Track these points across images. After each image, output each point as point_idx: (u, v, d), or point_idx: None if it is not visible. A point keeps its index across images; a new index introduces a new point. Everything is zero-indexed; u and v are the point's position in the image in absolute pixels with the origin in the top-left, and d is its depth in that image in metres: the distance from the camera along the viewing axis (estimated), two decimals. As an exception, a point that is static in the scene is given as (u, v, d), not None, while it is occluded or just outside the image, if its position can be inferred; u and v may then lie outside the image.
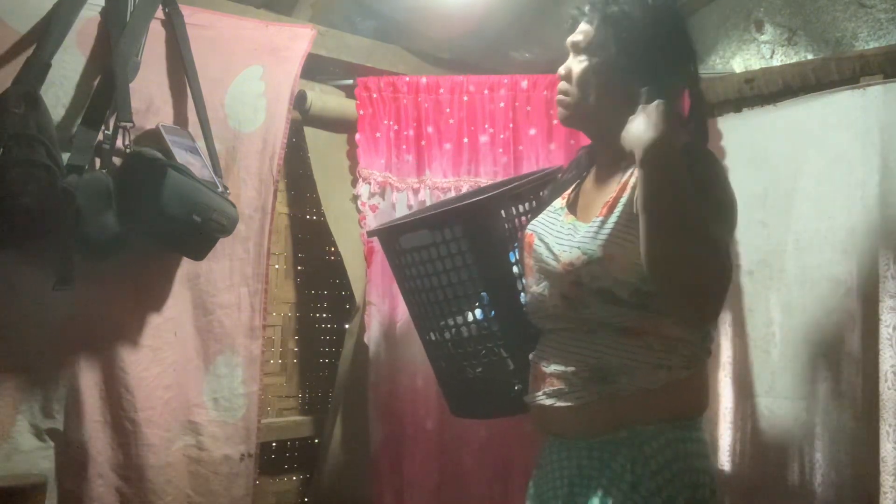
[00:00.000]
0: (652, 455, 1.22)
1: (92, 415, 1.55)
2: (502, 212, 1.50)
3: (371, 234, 1.75)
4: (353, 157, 2.08)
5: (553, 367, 1.30)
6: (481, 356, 1.50)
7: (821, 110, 1.81)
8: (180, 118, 1.68)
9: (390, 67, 2.17)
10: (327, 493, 2.00)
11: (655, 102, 1.20)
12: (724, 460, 1.90)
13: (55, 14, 1.49)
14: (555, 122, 2.12)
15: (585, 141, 1.55)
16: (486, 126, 2.13)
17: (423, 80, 2.12)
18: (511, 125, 2.13)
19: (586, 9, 1.36)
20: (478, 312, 1.51)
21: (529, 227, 1.44)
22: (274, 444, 2.02)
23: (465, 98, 2.13)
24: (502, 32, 2.28)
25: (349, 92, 2.11)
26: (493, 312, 1.48)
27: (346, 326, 2.10)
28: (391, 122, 2.09)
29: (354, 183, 2.07)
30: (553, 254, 1.32)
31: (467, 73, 2.18)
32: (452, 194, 2.11)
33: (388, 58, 2.17)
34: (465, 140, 2.12)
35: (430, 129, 2.11)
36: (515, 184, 1.56)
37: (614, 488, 1.22)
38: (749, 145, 1.92)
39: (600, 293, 1.25)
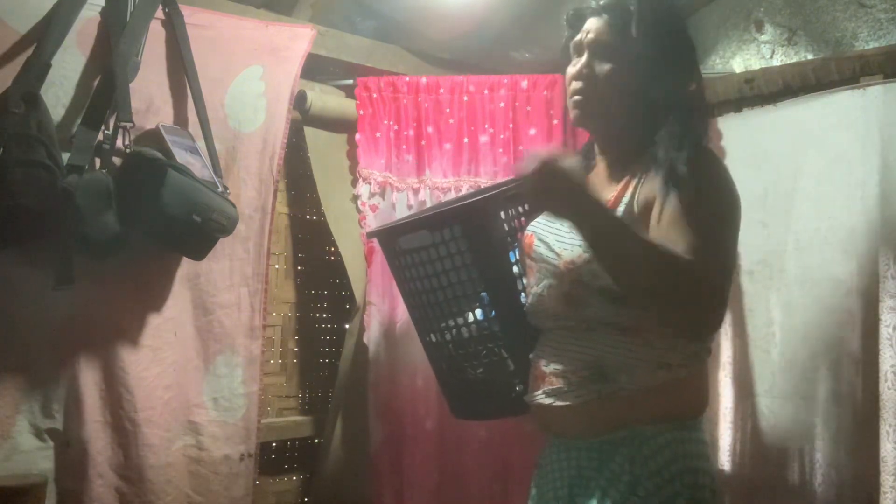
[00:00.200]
0: (651, 455, 1.22)
1: (92, 415, 1.55)
2: (501, 212, 1.50)
3: (370, 235, 1.73)
4: (353, 157, 2.08)
5: (553, 366, 1.30)
6: (482, 357, 1.49)
7: (821, 110, 1.81)
8: (180, 118, 1.68)
9: (390, 67, 2.17)
10: (328, 493, 2.00)
11: (540, 165, 1.16)
12: (724, 460, 1.90)
13: (55, 14, 1.49)
14: (555, 121, 2.12)
15: (584, 140, 1.55)
16: (486, 126, 2.13)
17: (423, 80, 2.12)
18: (511, 125, 2.14)
19: (594, 6, 1.34)
20: (478, 313, 1.50)
21: (529, 227, 1.44)
22: (274, 444, 2.02)
23: (465, 98, 2.13)
24: (502, 32, 2.28)
25: (349, 92, 2.11)
26: (493, 313, 1.47)
27: (346, 326, 2.10)
28: (391, 122, 2.09)
29: (354, 183, 2.07)
30: (554, 252, 1.32)
31: (467, 73, 2.18)
32: (452, 194, 2.11)
33: (388, 58, 2.17)
34: (465, 140, 2.13)
35: (430, 129, 2.11)
36: (518, 184, 1.55)
37: (613, 489, 1.22)
38: (749, 145, 1.92)
39: (601, 292, 1.25)
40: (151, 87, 1.63)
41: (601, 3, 1.33)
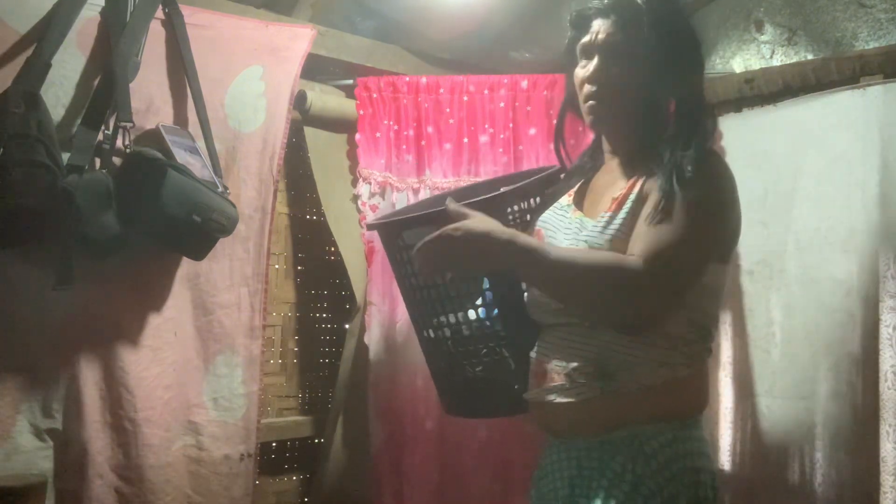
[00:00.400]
0: (653, 454, 1.22)
1: (92, 415, 1.55)
2: (508, 209, 1.49)
3: (371, 227, 1.67)
4: (353, 157, 2.08)
5: (554, 364, 1.30)
6: (482, 355, 1.48)
7: (821, 110, 1.81)
8: (180, 118, 1.68)
9: (390, 67, 2.17)
10: (328, 493, 2.00)
11: (458, 226, 1.21)
12: (724, 460, 1.90)
13: (55, 14, 1.49)
14: (555, 121, 2.11)
15: (584, 140, 1.55)
16: (486, 126, 2.13)
17: (423, 80, 2.12)
18: (511, 125, 2.13)
19: (600, 6, 1.33)
20: (480, 311, 1.49)
21: (539, 222, 1.44)
22: (274, 444, 2.02)
23: (465, 98, 2.13)
24: (502, 32, 2.28)
25: (349, 92, 2.11)
26: (496, 311, 1.46)
27: (347, 326, 2.10)
28: (391, 122, 2.09)
29: (354, 183, 2.07)
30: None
31: (467, 73, 2.18)
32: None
33: (388, 58, 2.17)
34: (465, 140, 2.12)
35: (430, 129, 2.11)
36: (524, 182, 1.54)
37: (615, 488, 1.22)
38: (749, 145, 1.92)
39: None
40: (151, 87, 1.63)
41: (606, 2, 1.33)
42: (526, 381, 1.39)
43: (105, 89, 1.52)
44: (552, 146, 2.09)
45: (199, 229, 1.53)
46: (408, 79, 2.12)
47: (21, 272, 1.48)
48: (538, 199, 1.55)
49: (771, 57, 2.15)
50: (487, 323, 1.47)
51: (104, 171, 1.50)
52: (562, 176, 1.56)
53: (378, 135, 2.07)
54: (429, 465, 2.02)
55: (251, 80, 1.81)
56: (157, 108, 1.64)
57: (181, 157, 1.57)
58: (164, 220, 1.48)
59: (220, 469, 1.73)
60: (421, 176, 2.11)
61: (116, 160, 1.53)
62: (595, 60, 1.32)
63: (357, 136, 2.06)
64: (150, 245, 1.57)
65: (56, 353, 1.53)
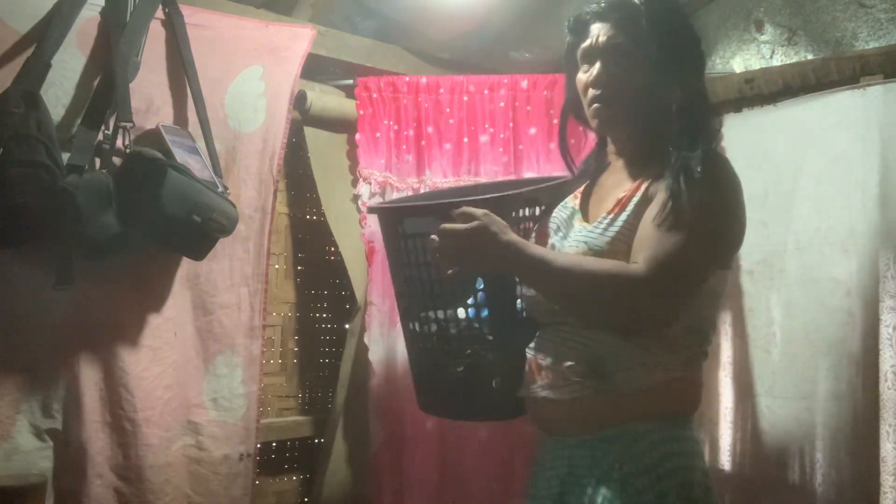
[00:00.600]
0: (642, 452, 1.22)
1: (91, 415, 1.55)
2: (513, 213, 1.45)
3: (372, 210, 1.61)
4: (353, 157, 2.08)
5: (549, 361, 1.30)
6: (466, 356, 1.43)
7: (821, 110, 1.81)
8: (180, 118, 1.68)
9: (390, 67, 2.17)
10: (328, 493, 2.00)
11: (470, 226, 1.22)
12: (724, 460, 1.90)
13: (55, 14, 1.49)
14: (555, 121, 2.12)
15: (584, 142, 1.55)
16: (487, 126, 2.13)
17: (423, 80, 2.12)
18: (511, 125, 2.14)
19: (598, 10, 1.33)
20: (470, 311, 1.47)
21: (550, 223, 1.44)
22: (274, 444, 2.02)
23: (465, 98, 2.13)
24: (502, 32, 2.28)
25: (349, 92, 2.11)
26: (485, 313, 1.44)
27: (347, 326, 2.11)
28: (391, 122, 2.09)
29: (354, 183, 2.07)
30: (560, 248, 1.32)
31: (467, 73, 2.18)
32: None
33: (388, 58, 2.17)
34: (465, 140, 2.13)
35: (430, 129, 2.11)
36: (533, 187, 1.51)
37: (604, 486, 1.22)
38: (749, 145, 1.92)
39: None
40: (151, 87, 1.63)
41: (603, 6, 1.33)
42: (510, 386, 1.37)
43: (105, 89, 1.52)
44: (552, 146, 2.10)
45: (199, 229, 1.53)
46: (408, 79, 2.12)
47: (21, 272, 1.48)
48: (542, 208, 1.52)
49: (771, 57, 2.15)
50: (476, 325, 1.45)
51: (104, 171, 1.50)
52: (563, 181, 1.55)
53: (378, 135, 2.07)
54: (429, 465, 2.02)
55: (251, 80, 1.81)
56: (157, 108, 1.64)
57: (181, 157, 1.57)
58: (164, 220, 1.48)
59: (220, 469, 1.73)
60: (421, 176, 2.11)
61: (116, 160, 1.53)
62: (597, 64, 1.32)
63: (357, 136, 2.06)
64: (150, 245, 1.57)
65: (56, 353, 1.53)
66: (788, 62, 2.06)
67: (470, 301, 1.44)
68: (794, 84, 1.93)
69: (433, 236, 1.25)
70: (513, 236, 1.23)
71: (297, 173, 2.09)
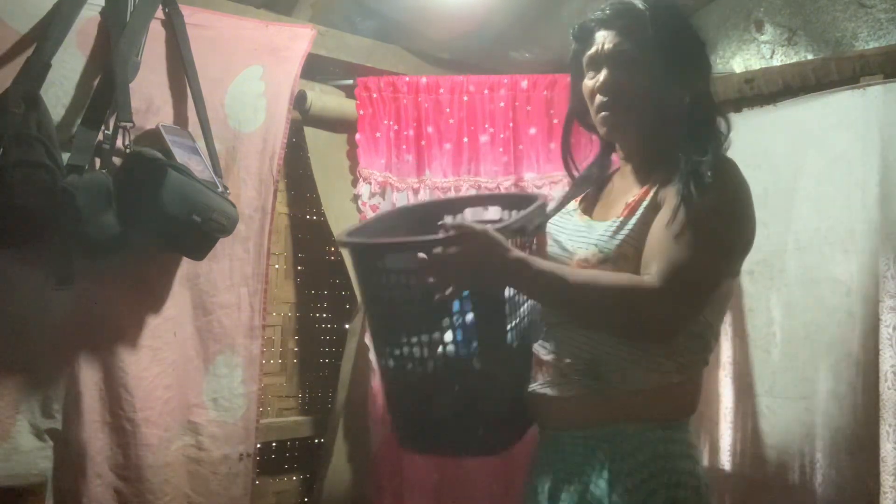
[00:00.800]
0: (632, 452, 1.22)
1: (91, 415, 1.55)
2: (510, 241, 1.29)
3: (349, 245, 1.41)
4: (353, 157, 2.08)
5: (551, 358, 1.31)
6: (454, 392, 1.30)
7: (821, 110, 1.81)
8: (180, 118, 1.68)
9: (390, 67, 2.17)
10: (328, 493, 2.00)
11: (472, 240, 1.17)
12: (724, 460, 1.90)
13: (55, 14, 1.49)
14: (555, 121, 2.12)
15: (583, 139, 1.54)
16: (487, 126, 2.13)
17: (423, 80, 2.12)
18: (511, 125, 2.14)
19: (603, 17, 1.33)
20: (457, 339, 1.31)
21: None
22: (274, 444, 2.02)
23: (465, 98, 2.13)
24: (502, 32, 2.28)
25: (349, 92, 2.11)
26: (474, 345, 1.29)
27: (347, 326, 2.11)
28: (391, 122, 2.09)
29: (355, 183, 2.07)
30: (567, 250, 1.32)
31: (467, 73, 2.18)
32: (452, 194, 2.11)
33: (388, 58, 2.17)
34: (465, 140, 2.13)
35: (430, 129, 2.12)
36: (521, 216, 1.34)
37: (593, 484, 1.23)
38: (749, 145, 1.92)
39: None
40: (151, 87, 1.63)
41: (609, 13, 1.32)
42: (502, 418, 1.32)
43: (105, 89, 1.52)
44: (552, 145, 2.10)
45: (199, 229, 1.53)
46: (408, 79, 2.12)
47: (21, 272, 1.48)
48: (528, 231, 1.40)
49: (771, 57, 2.15)
50: (462, 354, 1.30)
51: (104, 171, 1.50)
52: (547, 210, 1.48)
53: (378, 135, 2.07)
54: (428, 465, 2.01)
55: (251, 80, 1.81)
56: (157, 108, 1.64)
57: (181, 157, 1.57)
58: (164, 220, 1.48)
59: (219, 469, 1.73)
60: (421, 176, 2.11)
61: (116, 160, 1.53)
62: (604, 71, 1.32)
63: (357, 136, 2.06)
64: (150, 245, 1.57)
65: (56, 353, 1.53)
66: (788, 62, 2.06)
67: (458, 330, 1.30)
68: (794, 84, 1.93)
69: (424, 255, 1.19)
70: (519, 252, 1.21)
71: (297, 173, 2.09)
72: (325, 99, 2.04)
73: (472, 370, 1.30)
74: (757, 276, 1.89)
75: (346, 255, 1.53)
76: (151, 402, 1.61)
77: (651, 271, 1.20)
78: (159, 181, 1.46)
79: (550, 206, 1.50)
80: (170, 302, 1.67)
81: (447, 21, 2.18)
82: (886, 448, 1.60)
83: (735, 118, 1.97)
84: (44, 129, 1.41)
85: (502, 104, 2.14)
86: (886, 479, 1.59)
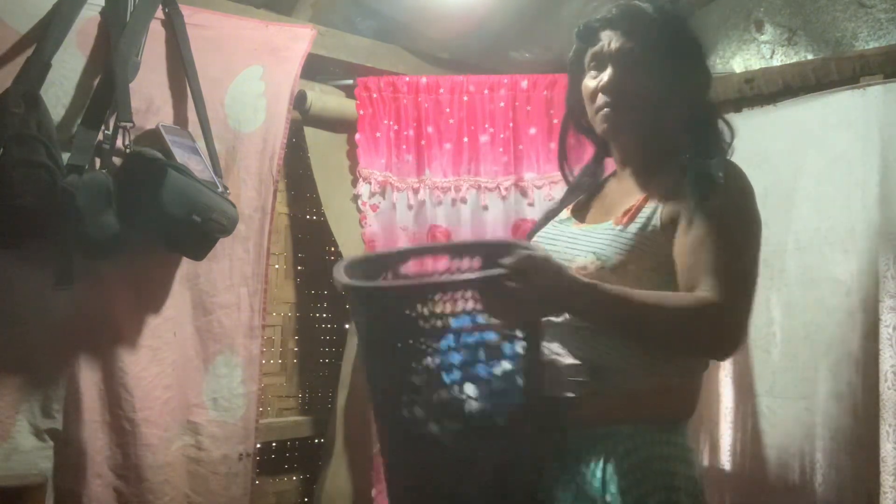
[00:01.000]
0: (626, 454, 1.22)
1: (91, 414, 1.55)
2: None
3: (372, 290, 1.16)
4: (353, 156, 2.08)
5: (552, 357, 1.30)
6: (479, 459, 1.08)
7: (821, 110, 1.81)
8: (180, 118, 1.68)
9: (390, 67, 2.17)
10: (328, 493, 2.00)
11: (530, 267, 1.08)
12: (724, 460, 1.90)
13: (55, 14, 1.49)
14: (555, 121, 2.12)
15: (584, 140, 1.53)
16: (486, 126, 2.13)
17: (423, 80, 2.12)
18: (511, 125, 2.14)
19: (608, 17, 1.32)
20: (484, 394, 1.09)
21: (535, 238, 1.41)
22: (274, 444, 2.02)
23: (465, 98, 2.13)
24: (502, 32, 2.28)
25: (349, 92, 2.11)
26: (519, 381, 1.10)
27: (347, 326, 2.11)
28: (391, 122, 2.09)
29: (355, 183, 2.07)
30: (565, 260, 1.28)
31: (467, 73, 2.18)
32: (452, 194, 2.11)
33: (388, 58, 2.17)
34: (465, 140, 2.13)
35: (430, 129, 2.12)
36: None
37: (587, 485, 1.22)
38: (749, 145, 1.91)
39: None
40: (151, 87, 1.63)
41: (616, 13, 1.32)
42: (533, 485, 1.20)
43: (105, 89, 1.52)
44: (552, 145, 2.10)
45: (199, 229, 1.53)
46: (408, 79, 2.12)
47: (21, 272, 1.47)
48: None
49: (771, 57, 2.15)
50: (488, 410, 1.08)
51: (104, 171, 1.50)
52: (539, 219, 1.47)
53: (378, 135, 2.08)
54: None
55: (251, 80, 1.81)
56: (157, 108, 1.64)
57: (181, 157, 1.57)
58: (164, 220, 1.48)
59: (219, 469, 1.73)
60: (421, 176, 2.11)
61: (116, 160, 1.53)
62: (608, 70, 1.30)
63: (357, 135, 2.06)
64: (150, 245, 1.57)
65: (56, 353, 1.53)
66: (788, 62, 2.06)
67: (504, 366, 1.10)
68: (794, 84, 1.93)
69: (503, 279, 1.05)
70: (583, 277, 1.17)
71: (297, 173, 2.09)
72: (325, 99, 2.04)
73: (498, 427, 1.08)
74: (757, 276, 1.89)
75: (357, 300, 1.20)
76: (151, 402, 1.61)
77: (697, 286, 1.18)
78: (159, 181, 1.46)
79: (541, 216, 1.49)
80: (170, 302, 1.67)
81: (447, 21, 2.18)
82: (886, 448, 1.60)
83: (735, 118, 1.97)
84: (44, 129, 1.41)
85: (502, 104, 2.14)
86: (886, 479, 1.59)
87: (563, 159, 1.49)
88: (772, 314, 1.85)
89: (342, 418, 2.02)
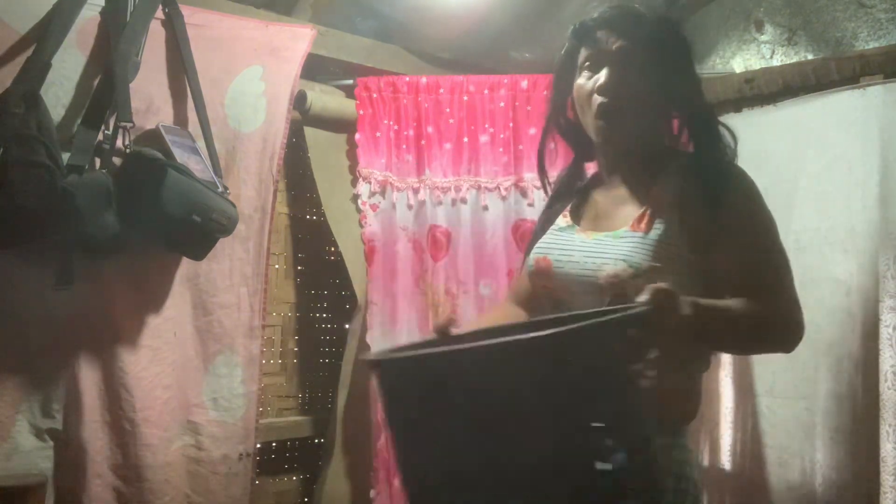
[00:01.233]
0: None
1: (91, 414, 1.55)
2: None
3: (420, 363, 0.91)
4: (353, 156, 2.08)
5: None
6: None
7: (821, 110, 1.81)
8: (180, 118, 1.68)
9: (390, 67, 2.17)
10: (328, 493, 2.00)
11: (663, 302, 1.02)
12: (724, 460, 1.90)
13: (55, 14, 1.49)
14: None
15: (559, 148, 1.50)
16: (486, 126, 2.14)
17: (423, 80, 2.12)
18: (511, 125, 2.14)
19: (603, 17, 1.31)
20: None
21: (536, 249, 1.37)
22: (274, 444, 2.02)
23: (465, 98, 2.13)
24: (502, 32, 2.28)
25: (349, 92, 2.11)
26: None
27: (347, 326, 2.11)
28: (391, 122, 2.09)
29: (354, 183, 2.07)
30: (589, 269, 1.26)
31: (467, 73, 2.18)
32: (452, 194, 2.11)
33: (388, 58, 2.17)
34: (465, 140, 2.13)
35: (430, 129, 2.12)
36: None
37: None
38: (749, 145, 1.91)
39: None
40: (151, 87, 1.63)
41: (613, 14, 1.31)
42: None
43: (105, 89, 1.52)
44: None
45: (199, 229, 1.53)
46: (408, 79, 2.12)
47: (21, 272, 1.47)
48: None
49: (771, 57, 2.15)
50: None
51: (104, 171, 1.50)
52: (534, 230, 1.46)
53: (378, 134, 2.08)
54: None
55: (251, 80, 1.81)
56: (157, 108, 1.64)
57: (181, 157, 1.57)
58: (164, 220, 1.48)
59: (219, 469, 1.73)
60: (421, 175, 2.11)
61: (116, 160, 1.53)
62: (605, 71, 1.29)
63: (357, 135, 2.06)
64: (150, 245, 1.57)
65: (56, 353, 1.53)
66: (788, 62, 2.06)
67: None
68: (794, 84, 1.93)
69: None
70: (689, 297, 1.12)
71: (297, 173, 2.09)
72: (325, 99, 2.04)
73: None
74: (757, 276, 1.89)
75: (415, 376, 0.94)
76: (151, 402, 1.61)
77: (756, 291, 1.19)
78: (159, 181, 1.46)
79: (536, 226, 1.48)
80: (170, 302, 1.67)
81: (447, 20, 2.18)
82: (886, 448, 1.60)
83: (735, 118, 2.00)
84: (44, 129, 1.41)
85: (502, 104, 2.14)
86: (886, 479, 1.59)
87: (543, 165, 1.46)
88: (772, 314, 1.85)
89: (342, 418, 2.02)
